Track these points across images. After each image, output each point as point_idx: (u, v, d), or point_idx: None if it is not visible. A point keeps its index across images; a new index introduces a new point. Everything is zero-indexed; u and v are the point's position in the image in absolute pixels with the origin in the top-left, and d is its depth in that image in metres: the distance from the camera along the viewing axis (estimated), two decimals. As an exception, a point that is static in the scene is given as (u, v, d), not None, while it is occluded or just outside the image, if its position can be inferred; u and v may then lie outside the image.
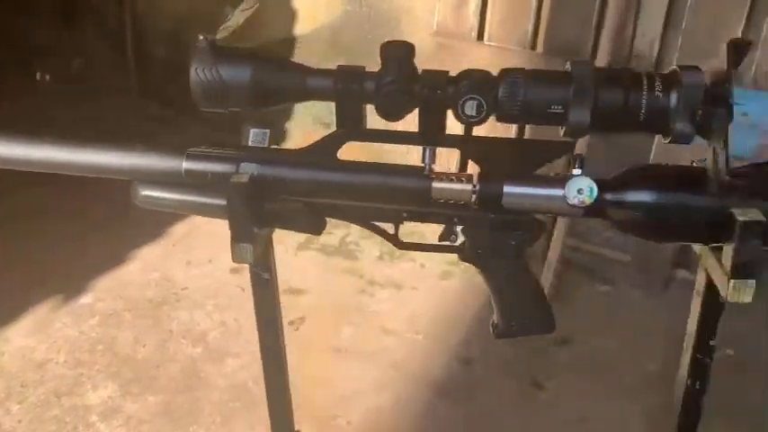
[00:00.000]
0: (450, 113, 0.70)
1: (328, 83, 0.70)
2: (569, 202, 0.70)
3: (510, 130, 2.14)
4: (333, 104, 0.70)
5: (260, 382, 1.85)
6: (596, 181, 0.70)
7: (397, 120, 0.69)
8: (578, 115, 0.65)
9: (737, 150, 2.01)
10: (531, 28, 2.08)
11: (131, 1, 3.00)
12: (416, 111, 0.70)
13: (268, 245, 0.82)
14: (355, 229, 2.21)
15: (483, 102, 0.66)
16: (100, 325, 1.96)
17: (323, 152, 0.75)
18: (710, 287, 0.71)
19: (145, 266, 2.20)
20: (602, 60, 1.80)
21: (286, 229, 0.79)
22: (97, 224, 2.28)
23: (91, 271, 2.13)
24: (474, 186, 0.72)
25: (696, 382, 0.78)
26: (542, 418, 1.70)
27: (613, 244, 2.07)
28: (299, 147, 0.76)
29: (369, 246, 2.28)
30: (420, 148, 0.73)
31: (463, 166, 0.74)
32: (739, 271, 0.65)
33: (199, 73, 0.70)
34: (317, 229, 0.78)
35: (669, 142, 0.66)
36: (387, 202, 0.75)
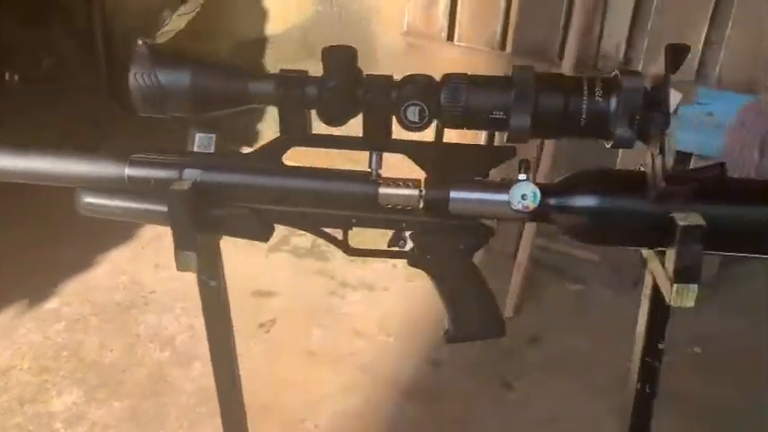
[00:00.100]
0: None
1: (270, 88, 0.69)
2: (513, 207, 0.69)
3: (479, 137, 2.15)
4: None
5: (228, 387, 1.84)
6: (540, 186, 0.69)
7: (340, 125, 0.68)
8: (519, 121, 0.65)
9: (704, 150, 2.03)
10: (499, 28, 2.09)
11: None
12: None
13: (215, 252, 0.80)
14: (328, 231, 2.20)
15: (425, 107, 0.66)
16: (66, 330, 1.93)
17: (268, 158, 0.74)
18: (657, 291, 0.71)
19: (113, 270, 2.17)
20: (568, 61, 1.80)
21: (232, 236, 0.78)
22: (65, 227, 2.23)
23: (57, 275, 2.10)
24: (421, 192, 0.72)
25: (646, 385, 0.78)
26: (512, 419, 1.70)
27: (583, 243, 2.08)
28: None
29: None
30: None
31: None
32: (681, 275, 0.65)
33: (137, 78, 0.68)
34: (264, 235, 0.77)
35: (611, 147, 0.66)
36: (334, 207, 0.74)
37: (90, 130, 2.69)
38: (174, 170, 0.74)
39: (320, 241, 2.47)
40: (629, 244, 0.71)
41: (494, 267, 2.16)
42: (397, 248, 0.77)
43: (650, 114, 0.62)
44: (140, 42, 0.68)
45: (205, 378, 1.81)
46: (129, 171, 0.75)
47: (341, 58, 0.67)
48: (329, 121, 0.67)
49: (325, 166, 0.76)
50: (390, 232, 0.76)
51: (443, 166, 0.72)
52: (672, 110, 1.92)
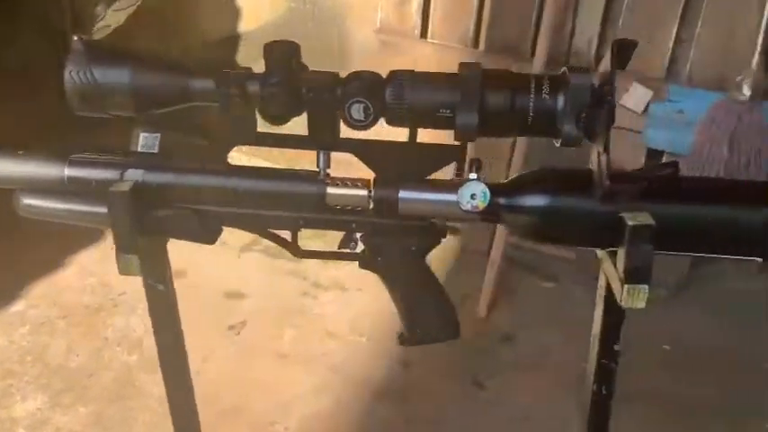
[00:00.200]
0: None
1: (211, 85, 0.66)
2: (463, 207, 0.68)
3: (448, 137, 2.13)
4: None
5: (197, 390, 1.81)
6: (490, 185, 0.68)
7: (283, 123, 0.66)
8: (466, 119, 0.63)
9: (675, 148, 2.03)
10: (472, 26, 2.07)
11: (71, -4, 2.90)
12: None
13: (162, 254, 0.78)
14: (302, 231, 2.18)
15: (369, 105, 0.64)
16: (31, 333, 1.89)
17: (212, 157, 0.71)
18: (610, 292, 0.70)
19: (81, 271, 2.13)
20: (539, 58, 1.79)
21: (177, 238, 0.75)
22: (31, 228, 2.19)
23: (23, 277, 2.05)
24: (369, 192, 0.70)
25: (602, 386, 0.77)
26: (484, 418, 1.69)
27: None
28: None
29: (315, 247, 2.24)
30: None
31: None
32: (632, 276, 0.64)
33: (72, 75, 0.66)
34: (210, 238, 0.75)
35: (560, 146, 0.65)
36: (281, 208, 0.72)
37: (48, 131, 2.64)
38: (116, 170, 0.72)
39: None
40: (581, 244, 0.70)
41: (467, 266, 2.16)
42: (348, 250, 0.75)
43: (595, 112, 0.61)
44: (75, 38, 0.65)
45: (173, 381, 1.78)
46: (68, 171, 0.72)
47: (283, 55, 0.65)
48: (271, 119, 0.65)
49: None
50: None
51: (392, 165, 0.70)
52: (642, 108, 1.92)
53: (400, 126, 0.67)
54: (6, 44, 2.94)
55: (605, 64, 0.62)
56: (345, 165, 0.72)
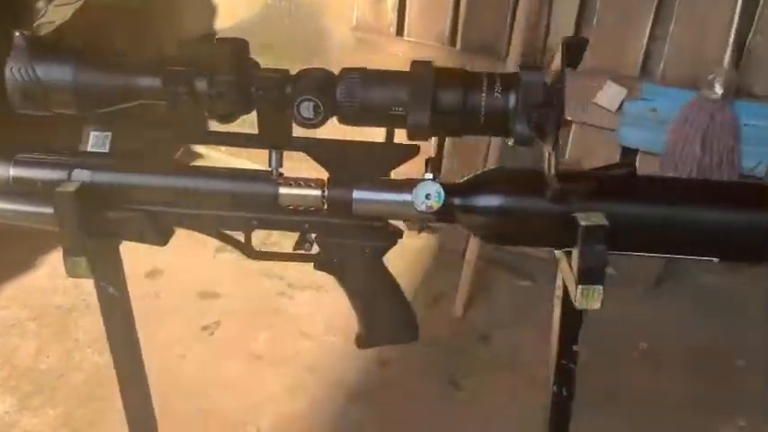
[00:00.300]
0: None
1: (157, 83, 0.65)
2: (417, 207, 0.67)
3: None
4: None
5: (169, 392, 1.79)
6: (445, 185, 0.67)
7: (232, 122, 0.64)
8: (417, 117, 0.62)
9: (649, 146, 2.03)
10: (448, 24, 2.07)
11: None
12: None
13: (113, 256, 0.76)
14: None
15: (319, 103, 0.62)
16: (1, 335, 1.86)
17: (161, 157, 0.70)
18: (567, 293, 0.69)
19: (53, 272, 2.10)
20: (513, 57, 1.79)
21: (127, 240, 0.74)
22: (1, 230, 2.16)
23: (-6, 279, 2.02)
24: (323, 192, 0.69)
25: (563, 388, 0.76)
26: (458, 418, 1.69)
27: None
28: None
29: (291, 247, 2.23)
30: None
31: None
32: (585, 276, 0.63)
33: (14, 72, 0.64)
34: (161, 239, 0.73)
35: (513, 144, 0.64)
36: (233, 209, 0.71)
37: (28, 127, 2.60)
38: (63, 171, 0.70)
39: (270, 240, 2.43)
40: (536, 244, 0.69)
41: (444, 265, 2.15)
42: (303, 251, 0.73)
43: (544, 111, 0.60)
44: (17, 34, 0.63)
45: (145, 382, 1.76)
46: (13, 171, 0.70)
47: (232, 52, 0.64)
48: (219, 117, 0.64)
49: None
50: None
51: (346, 165, 0.69)
52: (616, 106, 1.92)
53: (352, 125, 0.66)
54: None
55: (557, 62, 0.61)
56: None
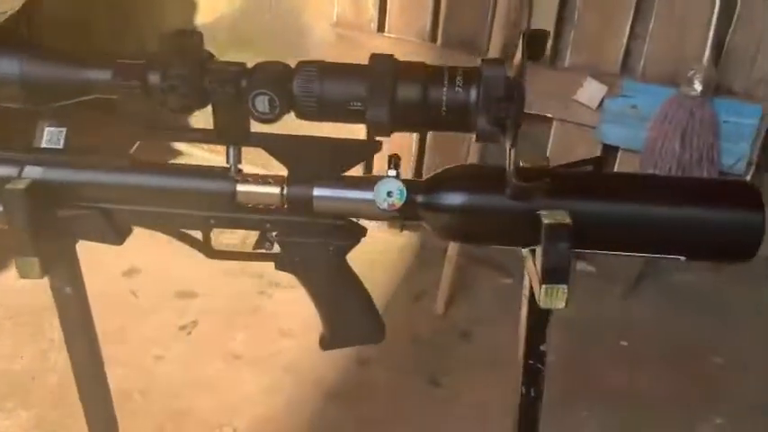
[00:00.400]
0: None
1: (107, 76, 0.62)
2: (379, 205, 0.65)
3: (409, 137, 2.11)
4: None
5: (145, 392, 1.77)
6: (408, 183, 0.65)
7: (187, 116, 0.62)
8: (376, 112, 0.60)
9: (630, 144, 2.03)
10: (429, 20, 2.05)
11: (21, -13, 2.81)
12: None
13: (69, 255, 0.74)
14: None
15: (275, 97, 0.60)
16: (-26, 336, 1.82)
17: (116, 153, 0.68)
18: (533, 292, 0.68)
19: (28, 271, 2.06)
20: (494, 53, 1.78)
21: (82, 239, 0.71)
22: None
23: (-34, 278, 1.98)
24: (282, 189, 0.67)
25: (531, 388, 0.75)
26: (437, 416, 1.67)
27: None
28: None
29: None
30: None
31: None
32: (549, 275, 0.62)
33: None
34: (118, 238, 0.71)
35: (476, 141, 0.62)
36: (190, 207, 0.69)
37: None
38: (13, 167, 0.67)
39: (250, 240, 2.42)
40: (501, 243, 0.68)
41: (426, 262, 2.14)
42: (264, 251, 0.72)
43: (505, 105, 0.58)
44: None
45: (121, 383, 1.71)
46: None
47: (185, 44, 0.62)
48: (172, 112, 0.62)
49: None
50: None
51: (307, 161, 0.67)
52: (597, 103, 1.91)
53: (311, 120, 0.64)
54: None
55: (518, 55, 0.60)
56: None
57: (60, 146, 0.69)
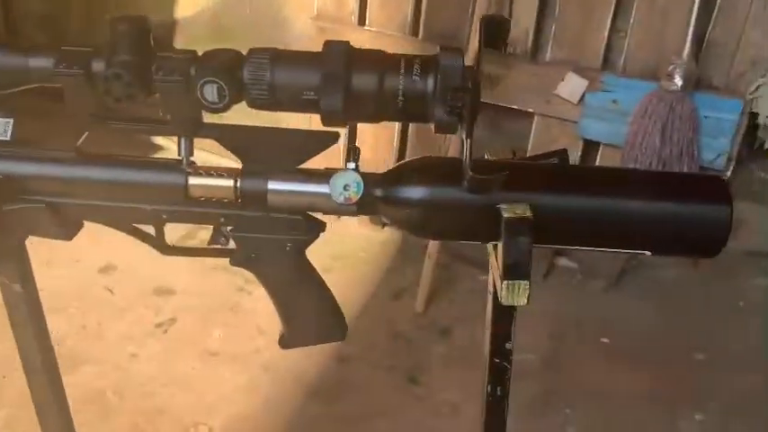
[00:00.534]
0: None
1: (49, 64, 0.60)
2: (335, 199, 0.63)
3: (392, 129, 2.08)
4: None
5: (119, 391, 1.74)
6: (365, 176, 0.63)
7: (130, 105, 0.60)
8: (330, 102, 0.58)
9: (611, 139, 2.01)
10: (410, 13, 2.02)
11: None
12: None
13: (18, 251, 0.71)
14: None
15: (224, 86, 0.58)
16: (-56, 334, 1.78)
17: (62, 145, 0.65)
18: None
19: (1, 268, 2.02)
20: (474, 47, 1.75)
21: (29, 234, 0.69)
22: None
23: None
24: (236, 182, 0.64)
25: (497, 387, 0.73)
26: (414, 413, 1.66)
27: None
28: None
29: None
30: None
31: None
32: (509, 271, 0.60)
33: None
34: (67, 234, 0.68)
35: (435, 132, 0.60)
36: (142, 201, 0.66)
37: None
38: None
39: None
40: (464, 238, 0.66)
41: (408, 259, 2.12)
42: (219, 246, 0.69)
43: (461, 94, 0.56)
44: None
45: (94, 382, 1.70)
46: None
47: (130, 31, 0.59)
48: (117, 101, 0.59)
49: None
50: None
51: (261, 153, 0.64)
52: (578, 98, 1.89)
53: (264, 110, 0.61)
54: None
55: (474, 43, 0.58)
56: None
57: (8, 137, 0.67)
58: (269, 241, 0.67)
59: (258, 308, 1.95)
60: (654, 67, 1.78)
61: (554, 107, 1.85)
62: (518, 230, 0.58)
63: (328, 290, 0.73)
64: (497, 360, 0.72)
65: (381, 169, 0.65)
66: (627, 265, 1.99)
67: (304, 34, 2.20)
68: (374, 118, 0.60)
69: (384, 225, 2.24)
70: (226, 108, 0.59)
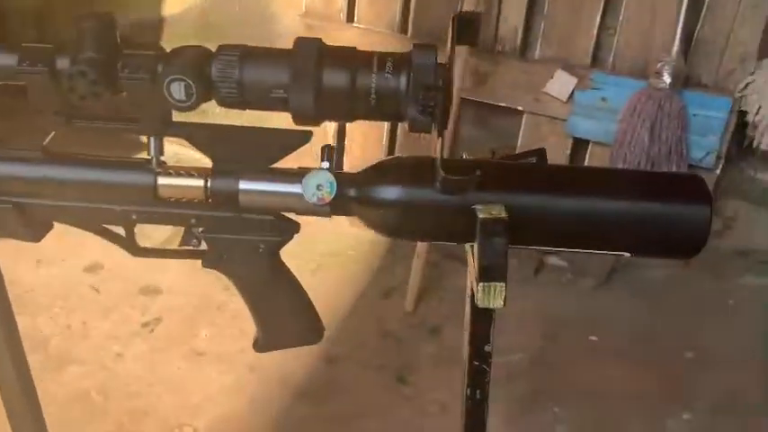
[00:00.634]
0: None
1: (12, 61, 0.58)
2: (308, 199, 0.61)
3: (381, 128, 2.07)
4: None
5: (104, 391, 1.72)
6: (338, 175, 0.61)
7: (96, 104, 0.58)
8: (300, 100, 0.56)
9: (599, 137, 2.00)
10: (399, 11, 2.01)
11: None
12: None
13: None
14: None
15: (191, 83, 0.56)
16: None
17: (29, 144, 0.63)
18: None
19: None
20: (463, 45, 1.74)
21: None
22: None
23: None
24: (206, 182, 0.63)
25: (476, 390, 0.72)
26: (401, 412, 1.65)
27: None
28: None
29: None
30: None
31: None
32: (485, 273, 0.58)
33: None
34: (35, 235, 0.67)
35: (410, 131, 0.59)
36: (110, 201, 0.64)
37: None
38: None
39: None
40: (439, 239, 0.65)
41: (399, 258, 2.11)
42: (190, 247, 0.68)
43: (433, 93, 0.54)
44: None
45: (79, 382, 1.69)
46: None
47: (96, 27, 0.57)
48: (82, 100, 0.57)
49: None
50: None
51: (232, 152, 0.63)
52: (567, 96, 1.88)
53: (233, 108, 0.60)
54: None
55: (448, 39, 0.56)
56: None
57: None
58: (241, 242, 0.66)
59: (245, 308, 1.92)
60: (643, 65, 1.77)
61: (543, 105, 1.84)
62: (493, 231, 0.57)
63: (304, 292, 0.71)
64: (476, 363, 0.71)
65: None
66: (617, 264, 1.98)
67: (292, 32, 2.18)
68: (347, 117, 0.59)
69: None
70: (194, 106, 0.58)
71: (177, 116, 0.63)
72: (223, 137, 0.63)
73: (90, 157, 0.64)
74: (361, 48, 0.60)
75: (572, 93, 1.80)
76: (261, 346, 0.72)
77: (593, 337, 1.87)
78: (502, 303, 0.60)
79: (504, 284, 0.59)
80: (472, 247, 0.63)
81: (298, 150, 0.64)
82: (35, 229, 0.67)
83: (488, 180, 0.58)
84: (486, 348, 0.69)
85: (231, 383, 1.68)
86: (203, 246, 0.67)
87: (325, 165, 0.63)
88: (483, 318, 0.66)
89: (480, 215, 0.58)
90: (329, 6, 2.09)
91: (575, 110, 1.81)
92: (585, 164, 1.87)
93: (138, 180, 0.63)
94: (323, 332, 0.73)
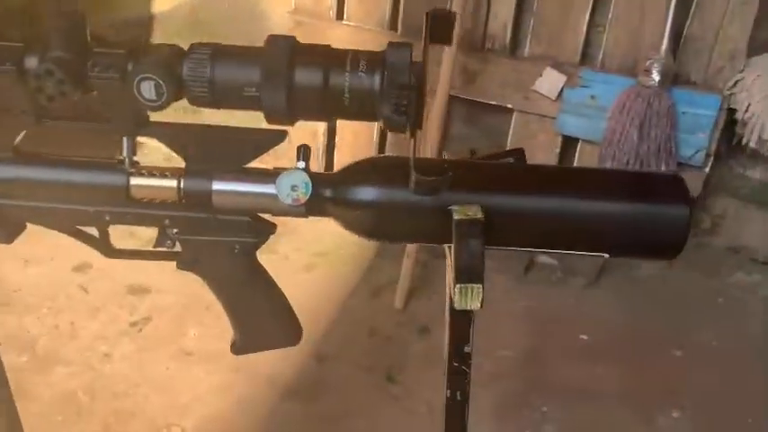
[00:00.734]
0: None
1: None
2: (283, 200, 0.60)
3: (371, 128, 2.06)
4: None
5: (91, 391, 1.71)
6: (314, 176, 0.61)
7: (65, 104, 0.57)
8: (272, 99, 0.56)
9: (589, 135, 2.00)
10: (389, 8, 2.00)
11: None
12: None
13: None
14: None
15: (161, 82, 0.55)
16: None
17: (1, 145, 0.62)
18: (454, 291, 0.64)
19: (-31, 266, 1.99)
20: (453, 43, 1.73)
21: (-33, 236, 0.66)
22: None
23: None
24: (179, 183, 0.62)
25: (456, 392, 0.71)
26: (390, 412, 1.64)
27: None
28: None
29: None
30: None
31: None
32: (461, 274, 0.58)
33: None
34: (7, 236, 0.66)
35: (385, 130, 0.58)
36: (82, 202, 0.63)
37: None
38: None
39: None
40: (417, 240, 0.64)
41: (390, 257, 2.10)
42: (165, 249, 0.67)
43: (406, 92, 0.54)
44: None
45: (66, 383, 1.67)
46: None
47: (64, 25, 0.56)
48: (49, 100, 0.56)
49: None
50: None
51: (206, 152, 0.62)
52: (556, 94, 1.88)
53: (206, 107, 0.59)
54: None
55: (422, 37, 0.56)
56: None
57: None
58: (216, 244, 0.65)
59: (234, 307, 1.92)
60: (632, 63, 1.77)
61: (532, 103, 1.84)
62: (469, 233, 0.56)
63: (281, 293, 0.70)
64: (456, 364, 0.70)
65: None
66: (607, 263, 1.98)
67: (281, 29, 2.17)
68: (320, 116, 0.58)
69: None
70: (164, 105, 0.57)
71: (155, 115, 0.62)
72: (196, 136, 0.62)
73: (62, 158, 0.63)
74: (350, 46, 0.59)
75: (561, 91, 1.79)
76: (238, 348, 0.71)
77: (584, 336, 1.87)
78: (479, 305, 0.60)
79: (480, 286, 0.58)
80: (449, 247, 0.62)
81: (276, 150, 0.63)
82: (7, 230, 0.66)
83: (465, 180, 0.58)
84: (466, 349, 0.68)
85: (219, 383, 1.67)
86: (178, 247, 0.66)
87: (301, 165, 0.62)
88: (461, 319, 0.65)
89: (456, 216, 0.57)
90: (319, 4, 2.08)
91: (564, 108, 1.80)
92: (575, 162, 1.87)
93: (111, 181, 0.62)
94: (301, 334, 0.72)
